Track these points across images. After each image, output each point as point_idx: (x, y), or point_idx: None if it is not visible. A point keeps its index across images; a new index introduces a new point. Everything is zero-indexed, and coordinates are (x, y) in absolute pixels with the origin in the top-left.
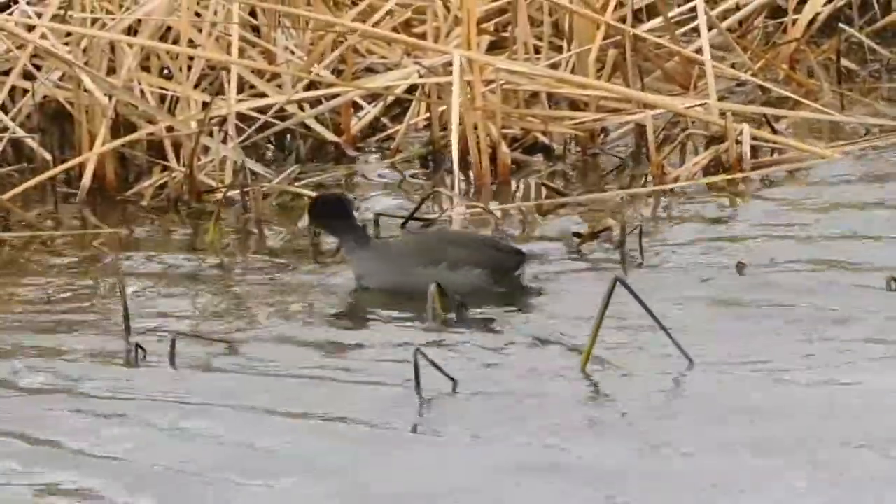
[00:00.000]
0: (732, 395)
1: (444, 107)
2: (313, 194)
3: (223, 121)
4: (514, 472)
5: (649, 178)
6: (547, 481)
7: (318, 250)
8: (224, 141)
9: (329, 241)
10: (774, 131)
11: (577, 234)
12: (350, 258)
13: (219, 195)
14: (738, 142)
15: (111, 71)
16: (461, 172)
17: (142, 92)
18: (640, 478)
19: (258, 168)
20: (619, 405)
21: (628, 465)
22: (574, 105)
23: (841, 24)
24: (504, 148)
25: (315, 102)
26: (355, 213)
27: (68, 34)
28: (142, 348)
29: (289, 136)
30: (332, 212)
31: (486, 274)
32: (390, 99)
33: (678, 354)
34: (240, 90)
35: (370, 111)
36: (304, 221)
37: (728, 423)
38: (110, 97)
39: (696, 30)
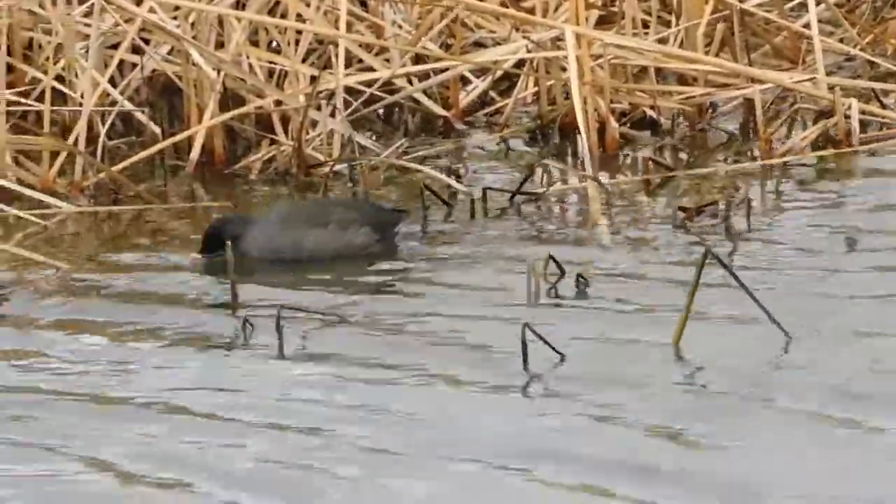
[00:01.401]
0: (828, 373)
1: (552, 81)
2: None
3: (331, 95)
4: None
5: (757, 153)
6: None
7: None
8: (332, 115)
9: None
10: (883, 106)
11: (682, 209)
12: (240, 246)
13: (326, 169)
14: (847, 117)
15: (219, 45)
16: (568, 147)
17: (250, 66)
18: (737, 452)
19: (366, 142)
20: (711, 381)
21: (724, 440)
22: (682, 80)
23: None
24: (612, 122)
25: (423, 76)
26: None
27: (176, 8)
28: (249, 323)
29: (397, 111)
30: (226, 237)
31: (371, 231)
32: (498, 73)
33: (775, 329)
34: (348, 64)
35: (478, 85)
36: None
37: (822, 401)
38: (219, 71)
39: (804, 4)
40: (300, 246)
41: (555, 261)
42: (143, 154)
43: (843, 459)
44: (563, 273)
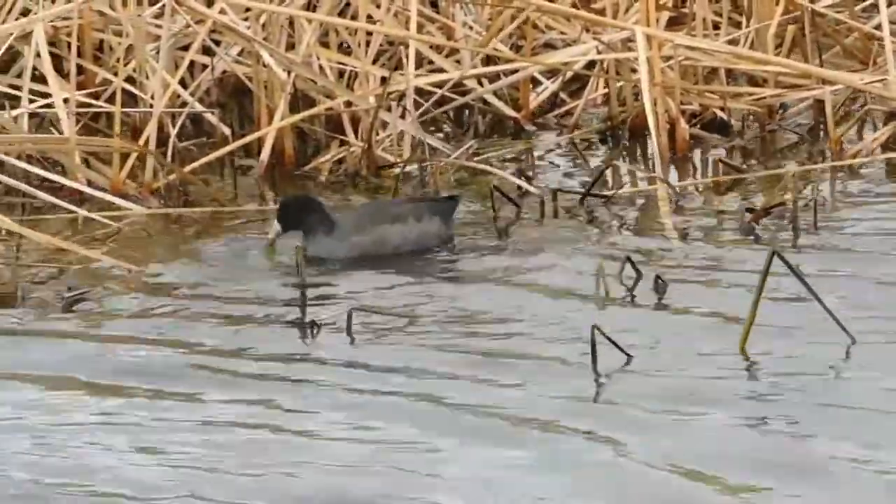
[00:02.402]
0: (892, 376)
1: (623, 82)
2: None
3: (401, 96)
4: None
5: (827, 154)
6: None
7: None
8: (402, 116)
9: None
10: None
11: (749, 210)
12: (317, 247)
13: (397, 170)
14: None
15: (290, 46)
16: (638, 148)
17: (320, 67)
18: (800, 461)
19: (436, 143)
20: (776, 389)
21: (784, 449)
22: (752, 81)
23: None
24: (682, 124)
25: (493, 78)
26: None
27: (247, 9)
28: (317, 324)
29: (467, 112)
30: (303, 211)
31: (442, 221)
32: (569, 74)
33: (840, 332)
34: (418, 65)
35: (548, 87)
36: (276, 230)
37: (886, 403)
38: (289, 72)
39: (875, 5)
40: (385, 241)
41: (632, 263)
42: (214, 155)
43: None
44: (640, 275)
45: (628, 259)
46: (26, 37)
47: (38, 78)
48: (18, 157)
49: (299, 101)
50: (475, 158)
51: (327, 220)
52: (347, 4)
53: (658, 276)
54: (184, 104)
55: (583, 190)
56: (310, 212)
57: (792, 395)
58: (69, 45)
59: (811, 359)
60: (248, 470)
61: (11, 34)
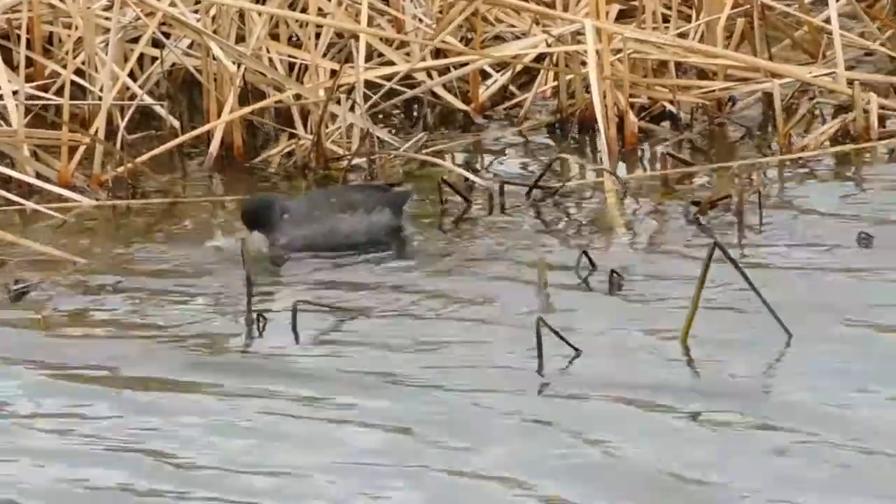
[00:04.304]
0: (827, 369)
1: (572, 75)
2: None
3: (351, 89)
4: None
5: (775, 147)
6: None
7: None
8: (352, 109)
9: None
10: None
11: (695, 203)
12: (272, 239)
13: (345, 163)
14: (866, 111)
15: (240, 39)
16: (587, 141)
17: (270, 60)
18: (737, 453)
19: (385, 136)
20: (714, 380)
21: (723, 440)
22: (702, 74)
23: None
24: (631, 117)
25: (443, 70)
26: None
27: (197, 2)
28: (263, 317)
29: (416, 105)
30: (264, 215)
31: (393, 212)
32: (518, 67)
33: (779, 328)
34: (368, 58)
35: (498, 79)
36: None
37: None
38: (239, 65)
39: None
40: (335, 232)
41: (588, 256)
42: (163, 148)
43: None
44: (594, 267)
45: (584, 252)
46: None
47: None
48: None
49: (249, 93)
50: (424, 151)
51: (281, 213)
52: None
53: (613, 270)
54: (133, 97)
55: (531, 182)
56: (269, 210)
57: (729, 387)
58: (18, 37)
59: (749, 351)
60: (183, 460)
61: None
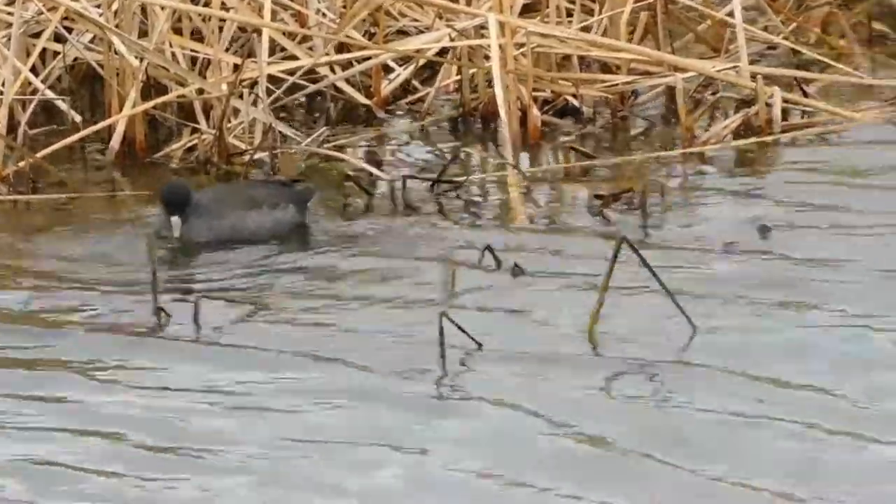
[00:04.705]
0: (733, 363)
1: (475, 69)
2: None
3: (254, 83)
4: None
5: (678, 141)
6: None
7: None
8: (254, 104)
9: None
10: (805, 94)
11: (598, 196)
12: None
13: (248, 157)
14: (769, 105)
15: (142, 33)
16: (490, 135)
17: (173, 54)
18: (643, 443)
19: (288, 130)
20: (620, 368)
21: (632, 432)
22: (605, 68)
23: None
24: (534, 111)
25: (346, 65)
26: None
27: None
28: (165, 312)
29: (319, 99)
30: (184, 200)
31: (297, 208)
32: (421, 62)
33: (684, 320)
34: (271, 53)
35: (401, 74)
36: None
37: (727, 392)
38: (141, 59)
39: None
40: (240, 228)
41: (492, 251)
42: (64, 142)
43: None
44: (499, 263)
45: (488, 247)
46: None
47: None
48: None
49: (151, 88)
50: (327, 146)
51: (190, 205)
52: None
53: (516, 264)
54: (34, 91)
55: (434, 176)
56: (188, 197)
57: (636, 378)
58: None
59: (655, 344)
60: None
61: None
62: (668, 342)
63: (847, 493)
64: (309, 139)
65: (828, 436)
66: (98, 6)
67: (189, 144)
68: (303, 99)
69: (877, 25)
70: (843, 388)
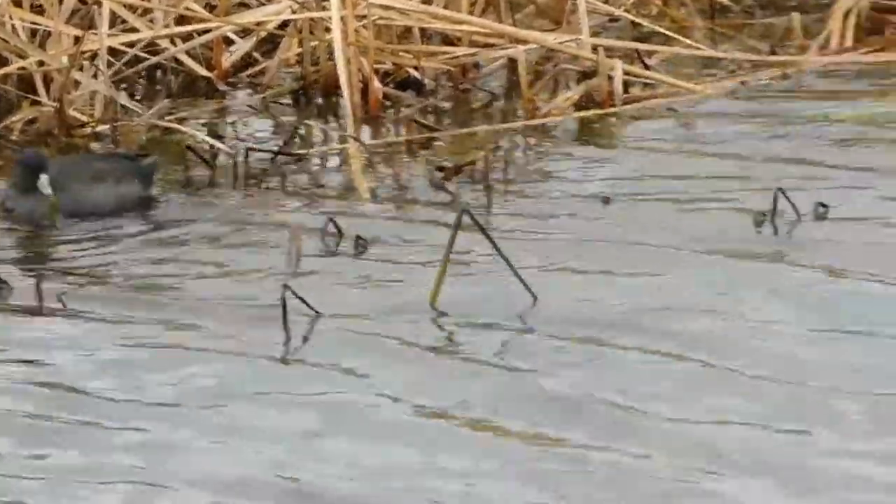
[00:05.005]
0: (570, 330)
1: (317, 42)
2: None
3: (94, 55)
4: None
5: (520, 113)
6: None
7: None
8: (95, 76)
9: None
10: (646, 67)
11: (440, 168)
12: (20, 205)
13: (89, 130)
14: (610, 77)
15: None
16: (332, 107)
17: (13, 27)
18: (483, 409)
19: (128, 103)
20: (464, 343)
21: (469, 399)
22: (447, 40)
23: None
24: (376, 83)
25: (187, 37)
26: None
27: None
28: (7, 284)
29: (160, 72)
30: (43, 159)
31: (142, 182)
32: (263, 34)
33: (524, 288)
34: (112, 25)
35: (242, 46)
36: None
37: (564, 357)
38: None
39: None
40: (83, 202)
41: (335, 223)
42: None
43: None
44: (341, 234)
45: (331, 219)
46: None
47: None
48: None
49: None
50: (168, 118)
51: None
52: None
53: (359, 236)
54: None
55: (276, 149)
56: (45, 163)
57: (476, 345)
58: None
59: (495, 312)
60: None
61: None
62: (508, 310)
63: (683, 449)
64: (150, 112)
65: (662, 395)
66: None
67: (29, 117)
68: (144, 71)
69: None
70: (678, 349)
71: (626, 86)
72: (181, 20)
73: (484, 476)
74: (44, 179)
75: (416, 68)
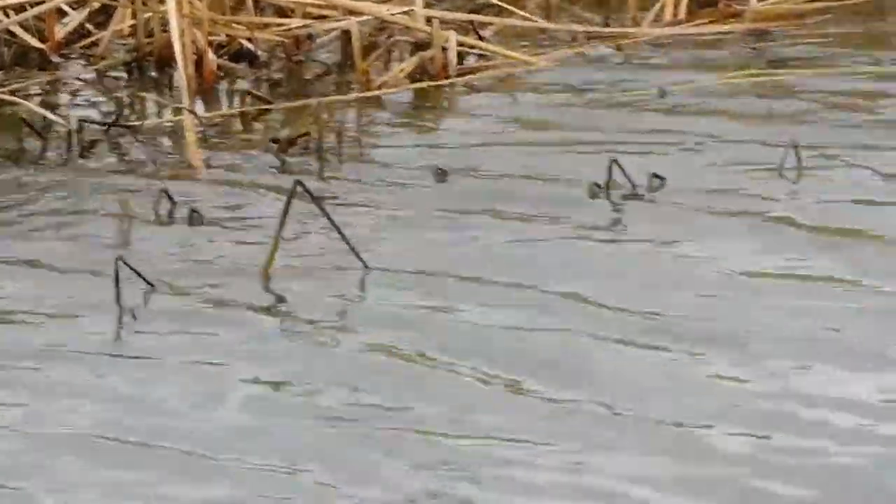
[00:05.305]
0: (402, 301)
1: (151, 13)
2: None
3: None
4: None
5: (355, 85)
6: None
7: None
8: None
9: None
10: (480, 38)
11: (274, 140)
12: None
13: None
14: (444, 49)
15: None
16: (166, 79)
17: None
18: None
19: None
20: (297, 310)
21: (298, 370)
22: (280, 12)
23: None
24: (210, 55)
25: (19, 9)
26: None
27: None
28: None
29: None
30: None
31: None
32: (96, 5)
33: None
34: None
35: (75, 17)
36: None
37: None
38: None
39: None
40: None
41: (168, 195)
42: None
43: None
44: (174, 205)
45: (165, 191)
46: None
47: None
48: None
49: None
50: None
51: None
52: None
53: (193, 209)
54: None
55: (109, 121)
56: None
57: (308, 316)
58: None
59: (327, 283)
60: None
61: None
62: (341, 281)
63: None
64: None
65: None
66: None
67: None
68: None
69: None
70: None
71: (461, 57)
72: None
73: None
74: None
75: (249, 40)
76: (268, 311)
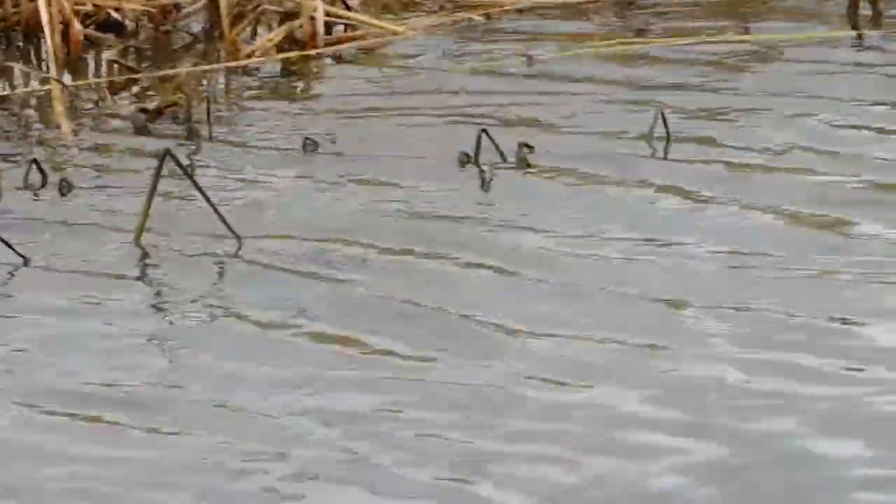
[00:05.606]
0: (276, 260)
1: None
2: None
3: None
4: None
5: (223, 54)
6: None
7: None
8: None
9: None
10: (348, 8)
11: (143, 110)
12: None
13: None
14: (313, 18)
15: None
16: (33, 49)
17: None
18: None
19: None
20: (168, 276)
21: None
22: None
23: None
24: (76, 24)
25: None
26: None
27: None
28: None
29: None
30: None
31: None
32: None
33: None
34: None
35: None
36: None
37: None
38: None
39: None
40: None
41: (38, 165)
42: None
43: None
44: (45, 178)
45: (34, 161)
46: None
47: None
48: None
49: None
50: None
51: None
52: None
53: (63, 179)
54: None
55: None
56: None
57: (180, 287)
58: None
59: (201, 254)
60: None
61: None
62: (212, 248)
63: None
64: None
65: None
66: None
67: None
68: None
69: None
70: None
71: (329, 27)
72: None
73: None
74: None
75: (116, 10)
76: (139, 279)
